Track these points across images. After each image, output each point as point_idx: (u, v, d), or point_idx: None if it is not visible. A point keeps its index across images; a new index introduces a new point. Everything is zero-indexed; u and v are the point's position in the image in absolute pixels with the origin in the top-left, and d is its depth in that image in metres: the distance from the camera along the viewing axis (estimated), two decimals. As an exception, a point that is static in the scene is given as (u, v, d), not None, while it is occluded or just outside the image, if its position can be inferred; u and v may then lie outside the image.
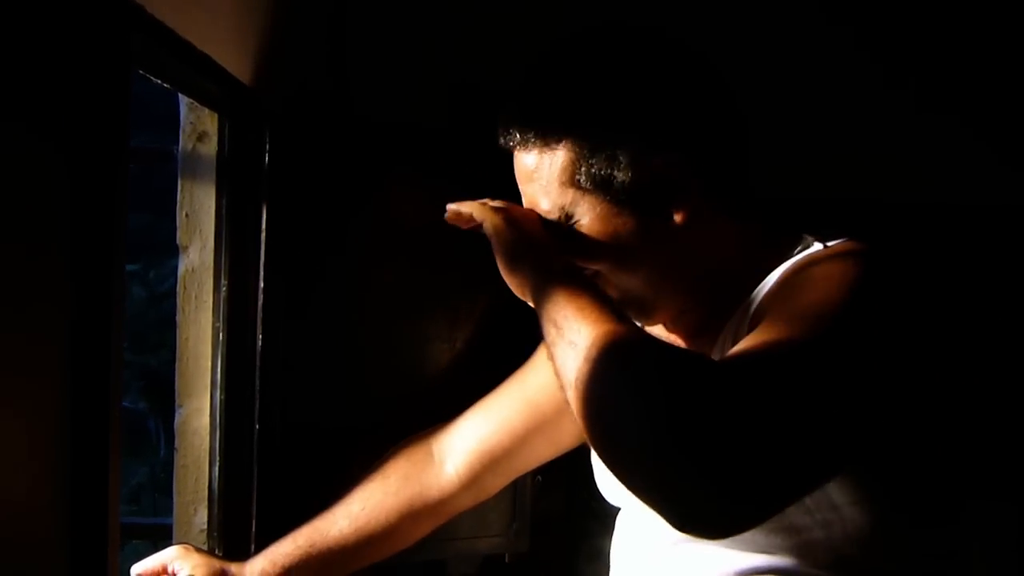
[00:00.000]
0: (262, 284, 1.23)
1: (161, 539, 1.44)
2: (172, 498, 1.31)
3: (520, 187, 0.92)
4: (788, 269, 0.86)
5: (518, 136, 0.89)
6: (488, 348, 1.34)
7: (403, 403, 1.34)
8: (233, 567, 1.12)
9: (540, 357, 1.14)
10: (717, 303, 0.92)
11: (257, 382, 1.23)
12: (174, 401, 1.30)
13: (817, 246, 0.87)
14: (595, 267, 0.90)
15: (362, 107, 1.31)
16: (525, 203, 0.92)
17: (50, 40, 0.76)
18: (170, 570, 1.08)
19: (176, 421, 1.30)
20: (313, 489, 1.27)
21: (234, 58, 1.13)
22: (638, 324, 0.88)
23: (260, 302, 1.23)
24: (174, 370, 1.30)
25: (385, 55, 1.31)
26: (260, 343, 1.23)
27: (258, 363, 1.23)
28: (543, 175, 0.88)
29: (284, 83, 1.25)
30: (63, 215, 0.79)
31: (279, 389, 1.26)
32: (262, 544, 1.22)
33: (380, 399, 1.34)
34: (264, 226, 1.23)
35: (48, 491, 0.78)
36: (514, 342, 1.15)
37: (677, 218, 0.87)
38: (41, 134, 0.76)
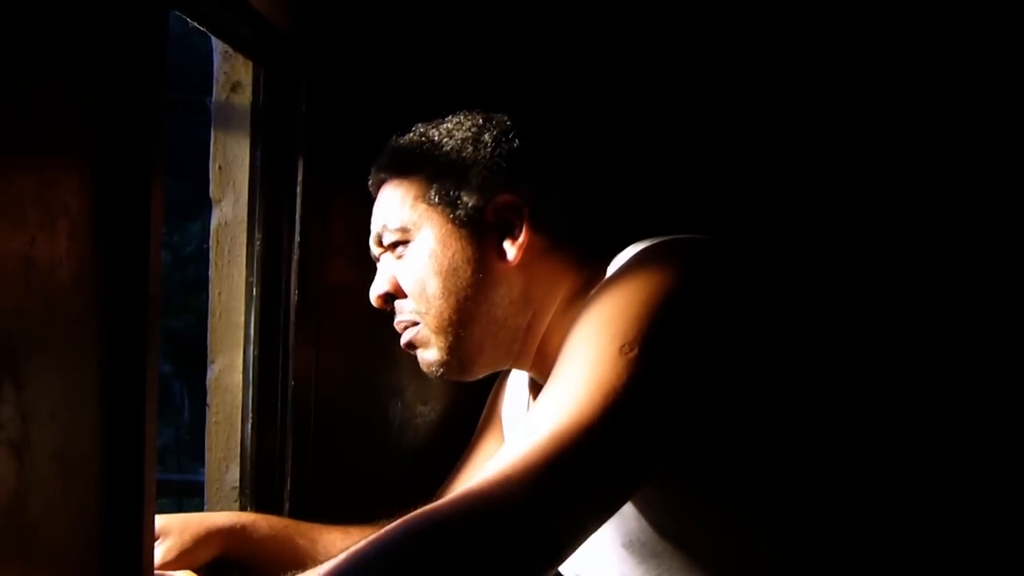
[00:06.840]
0: (297, 238, 1.20)
1: (193, 496, 1.44)
2: (197, 459, 1.29)
3: (372, 224, 1.02)
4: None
5: (386, 169, 1.01)
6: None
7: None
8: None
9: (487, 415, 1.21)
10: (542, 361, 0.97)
11: (292, 337, 1.20)
12: (204, 359, 1.28)
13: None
14: (416, 304, 0.96)
15: (404, 54, 1.27)
16: (372, 238, 1.01)
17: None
18: None
19: (208, 378, 1.28)
20: (346, 446, 1.26)
21: (270, 2, 1.09)
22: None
23: (295, 256, 1.20)
24: (199, 332, 1.28)
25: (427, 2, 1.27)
26: (295, 298, 1.20)
27: (292, 318, 1.20)
28: (399, 195, 0.98)
29: (322, 29, 1.21)
30: (98, 167, 0.75)
31: (313, 345, 1.23)
32: (295, 501, 1.21)
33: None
34: (300, 178, 1.19)
35: (87, 447, 0.76)
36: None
37: (511, 257, 0.94)
38: (74, 75, 0.72)
